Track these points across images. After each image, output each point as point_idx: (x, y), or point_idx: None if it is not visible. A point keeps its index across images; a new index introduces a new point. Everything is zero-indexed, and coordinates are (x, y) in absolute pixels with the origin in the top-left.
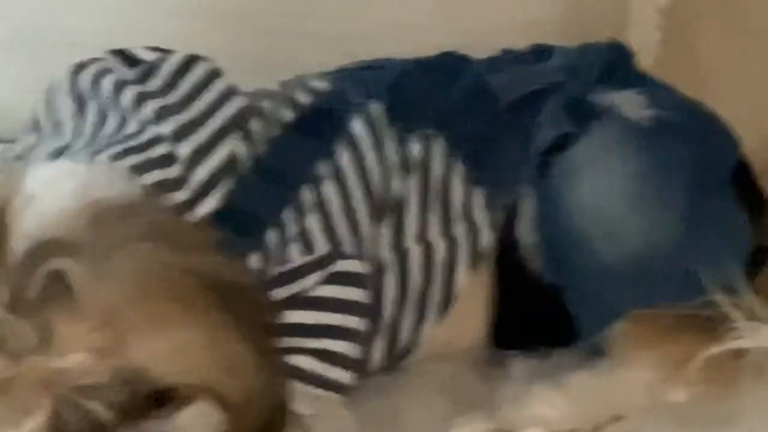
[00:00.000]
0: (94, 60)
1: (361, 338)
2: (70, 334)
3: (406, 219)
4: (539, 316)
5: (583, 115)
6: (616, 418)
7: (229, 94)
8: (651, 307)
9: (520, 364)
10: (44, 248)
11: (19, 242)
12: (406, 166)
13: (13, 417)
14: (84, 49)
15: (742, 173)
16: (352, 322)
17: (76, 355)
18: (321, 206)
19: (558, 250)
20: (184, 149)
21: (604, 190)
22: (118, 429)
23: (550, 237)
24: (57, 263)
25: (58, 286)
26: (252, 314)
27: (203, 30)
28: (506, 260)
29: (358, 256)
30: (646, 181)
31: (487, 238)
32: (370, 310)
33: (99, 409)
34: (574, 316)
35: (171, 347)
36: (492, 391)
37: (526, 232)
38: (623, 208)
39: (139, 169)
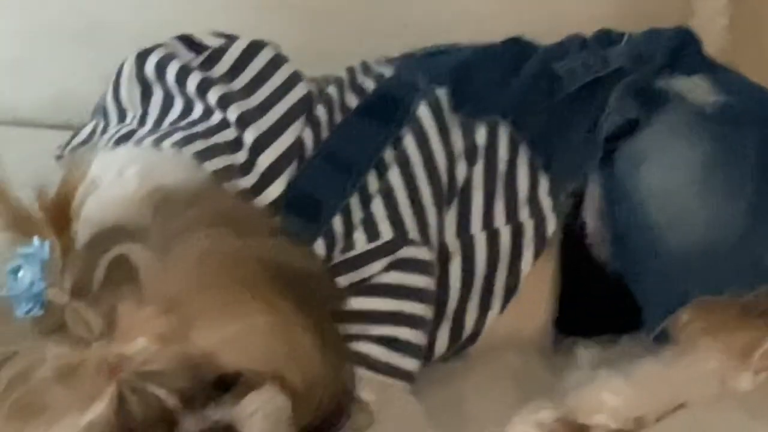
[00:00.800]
0: (160, 46)
1: (426, 325)
2: (135, 319)
3: (472, 206)
4: (605, 303)
5: (650, 101)
6: (682, 406)
7: (294, 79)
8: (717, 294)
9: (585, 352)
10: (109, 234)
11: (84, 228)
12: (471, 153)
13: (78, 403)
14: (151, 39)
15: None
16: (417, 309)
17: (140, 340)
18: (386, 192)
19: (624, 236)
20: (250, 135)
21: (670, 177)
22: (182, 415)
23: (616, 224)
24: (122, 249)
25: (123, 272)
26: (317, 301)
27: (268, 18)
28: (571, 247)
29: (424, 243)
30: (712, 168)
31: (552, 225)
32: (435, 297)
33: (163, 395)
34: (639, 304)
35: (236, 333)
36: (557, 379)
37: (591, 219)
38: (690, 195)
39: (205, 154)
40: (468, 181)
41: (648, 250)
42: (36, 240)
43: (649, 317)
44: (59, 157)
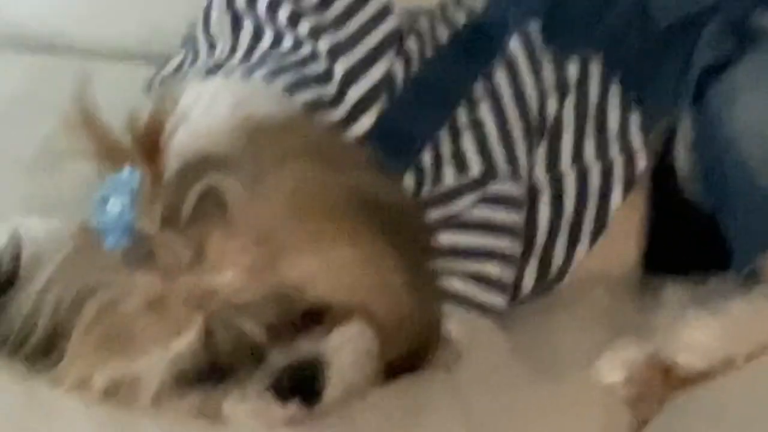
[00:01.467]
0: None
1: (514, 262)
2: (224, 251)
3: (562, 141)
4: (694, 241)
5: (744, 36)
6: None
7: (386, 12)
8: None
9: (673, 290)
10: (199, 165)
11: (174, 158)
12: (562, 88)
13: (165, 334)
14: None
15: None
16: (506, 244)
17: (229, 272)
18: (476, 127)
19: (715, 173)
20: (340, 67)
21: (763, 113)
22: (269, 348)
23: (708, 161)
24: (212, 180)
25: (213, 203)
26: (407, 235)
27: None
28: (661, 184)
29: (513, 178)
30: None
31: (642, 161)
32: (524, 234)
33: (251, 327)
34: (730, 242)
35: (325, 266)
36: (645, 318)
37: (682, 156)
38: None
39: (295, 86)
40: (558, 117)
41: (740, 187)
42: (126, 169)
43: (739, 255)
44: (148, 89)
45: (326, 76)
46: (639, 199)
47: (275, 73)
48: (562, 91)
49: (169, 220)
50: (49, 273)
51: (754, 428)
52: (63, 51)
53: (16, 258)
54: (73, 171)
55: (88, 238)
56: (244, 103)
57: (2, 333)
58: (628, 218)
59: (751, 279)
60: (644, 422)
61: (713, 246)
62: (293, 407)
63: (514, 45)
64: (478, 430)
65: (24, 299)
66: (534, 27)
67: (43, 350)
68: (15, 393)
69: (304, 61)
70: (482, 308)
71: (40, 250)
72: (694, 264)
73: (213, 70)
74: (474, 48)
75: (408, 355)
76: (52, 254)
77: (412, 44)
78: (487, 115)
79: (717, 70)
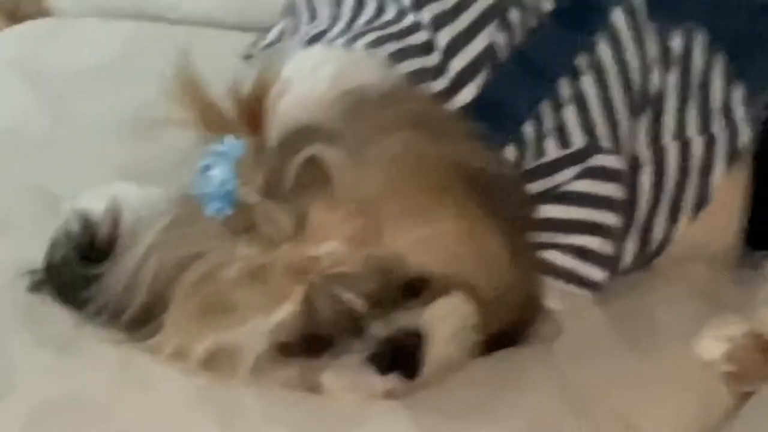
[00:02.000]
0: None
1: (615, 235)
2: (326, 221)
3: (665, 115)
4: None
5: None
6: None
7: None
8: None
9: None
10: (302, 134)
11: (276, 128)
12: (666, 60)
13: (266, 304)
14: None
15: None
16: (607, 218)
17: (330, 243)
18: (579, 99)
19: None
20: (443, 37)
21: None
22: (369, 319)
23: None
24: (314, 150)
25: (315, 173)
26: (508, 207)
27: None
28: (765, 158)
29: (615, 151)
30: None
31: (745, 136)
32: (625, 207)
33: (352, 298)
34: None
35: (427, 237)
36: (746, 293)
37: None
38: None
39: (397, 56)
40: (661, 90)
41: None
42: (228, 138)
43: None
44: (247, 58)
45: (428, 47)
46: (741, 174)
47: (377, 43)
48: (666, 64)
49: (271, 189)
50: (149, 241)
51: None
52: (157, 19)
53: (115, 225)
54: (169, 139)
55: (189, 206)
56: (346, 72)
57: (100, 301)
58: (729, 193)
59: None
60: (743, 399)
61: None
62: (392, 379)
63: (618, 17)
64: (577, 404)
65: (123, 267)
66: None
67: (141, 319)
68: (112, 363)
69: (407, 32)
70: (582, 282)
71: (139, 217)
72: None
73: (315, 39)
74: (577, 20)
75: (507, 328)
76: (152, 222)
77: (514, 15)
78: (590, 88)
79: None
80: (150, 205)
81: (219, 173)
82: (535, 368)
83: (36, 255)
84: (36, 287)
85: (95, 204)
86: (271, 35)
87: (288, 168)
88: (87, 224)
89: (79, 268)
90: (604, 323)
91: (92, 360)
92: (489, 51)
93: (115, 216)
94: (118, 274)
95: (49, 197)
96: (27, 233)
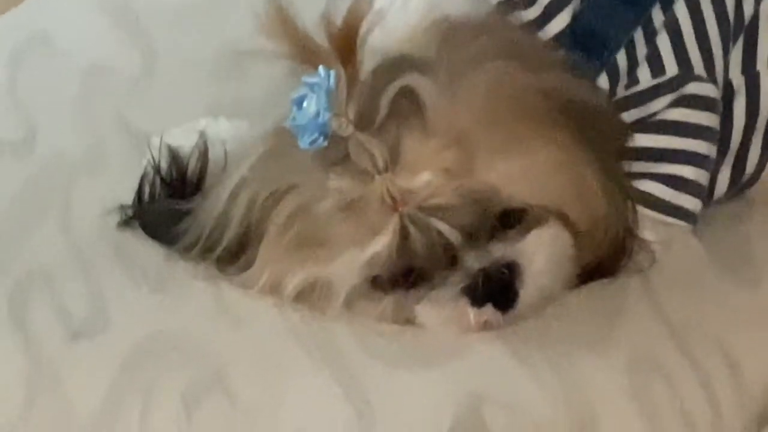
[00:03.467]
0: None
1: (709, 164)
2: (420, 152)
3: (758, 42)
4: None
5: None
6: None
7: None
8: None
9: None
10: (395, 65)
11: (369, 59)
12: None
13: (361, 236)
14: None
15: None
16: (701, 147)
17: (425, 174)
18: (672, 27)
19: None
20: None
21: None
22: (464, 251)
23: None
24: (408, 80)
25: (409, 104)
26: (603, 137)
27: None
28: None
29: (709, 80)
30: None
31: None
32: (719, 135)
33: (447, 229)
34: None
35: (522, 168)
36: None
37: None
38: None
39: None
40: (755, 17)
41: None
42: (322, 69)
43: None
44: None
45: None
46: None
47: None
48: None
49: (365, 121)
50: (242, 174)
51: None
52: None
53: (204, 160)
54: (258, 73)
55: (282, 138)
56: (439, 3)
57: (192, 236)
58: None
59: None
60: None
61: None
62: (488, 312)
63: None
64: (676, 335)
65: (215, 201)
66: None
67: (233, 253)
68: (204, 297)
69: None
70: (676, 211)
71: (230, 151)
72: None
73: None
74: None
75: (603, 259)
76: (244, 155)
77: None
78: (683, 16)
79: None
80: (240, 139)
81: (312, 105)
82: (632, 299)
83: (128, 192)
84: (126, 223)
85: (184, 139)
86: None
87: (381, 99)
88: (176, 159)
89: (169, 204)
90: (700, 253)
91: (185, 297)
92: None
93: (204, 151)
94: (209, 208)
95: (141, 135)
96: (119, 171)
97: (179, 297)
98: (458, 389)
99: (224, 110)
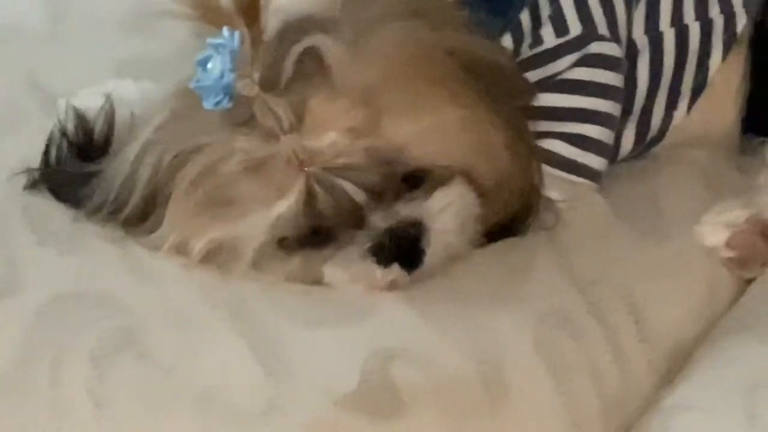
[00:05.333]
0: None
1: (614, 123)
2: (326, 113)
3: (661, 1)
4: None
5: None
6: None
7: None
8: None
9: None
10: (299, 25)
11: (273, 19)
12: None
13: (267, 196)
14: None
15: None
16: (605, 106)
17: (331, 134)
18: None
19: None
20: None
21: None
22: (370, 210)
23: None
24: (313, 40)
25: (314, 64)
26: (508, 96)
27: None
28: (762, 45)
29: (613, 39)
30: None
31: (742, 21)
32: (623, 94)
33: (353, 189)
34: None
35: (427, 128)
36: (746, 178)
37: None
38: None
39: None
40: None
41: None
42: (226, 30)
43: None
44: None
45: None
46: (738, 60)
47: None
48: None
49: (270, 81)
50: (148, 135)
51: None
52: None
53: (111, 122)
54: (166, 33)
55: (187, 100)
56: None
57: (99, 198)
58: (727, 79)
59: None
60: (748, 283)
61: None
62: (395, 270)
63: None
64: (583, 290)
65: (121, 163)
66: None
67: (140, 215)
68: (114, 257)
69: None
70: (581, 170)
71: (136, 113)
72: None
73: None
74: None
75: (510, 218)
76: (150, 116)
77: None
78: None
79: None
80: (147, 101)
81: (217, 66)
82: (540, 256)
83: (37, 154)
84: (33, 185)
85: (91, 101)
86: None
87: (286, 59)
88: (83, 122)
89: (76, 166)
90: (606, 210)
91: (94, 257)
92: None
93: (111, 112)
94: (115, 170)
95: (51, 96)
96: (29, 132)
97: (88, 258)
98: (366, 347)
99: (134, 70)
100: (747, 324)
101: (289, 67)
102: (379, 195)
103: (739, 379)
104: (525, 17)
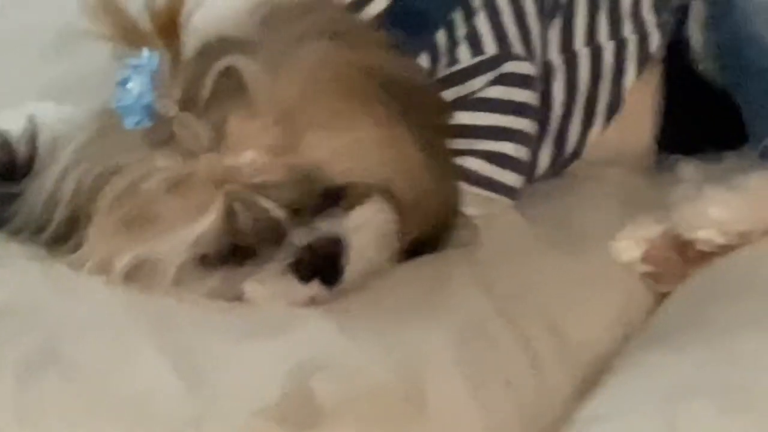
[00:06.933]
0: None
1: (530, 141)
2: (244, 131)
3: (575, 21)
4: (709, 119)
5: None
6: None
7: None
8: None
9: (689, 168)
10: (218, 45)
11: (193, 39)
12: None
13: (188, 215)
14: None
15: None
16: (521, 124)
17: (249, 152)
18: (490, 7)
19: (730, 51)
20: None
21: None
22: (290, 227)
23: (722, 38)
24: (231, 60)
25: (232, 84)
26: (425, 114)
27: None
28: (675, 63)
29: (528, 58)
30: None
31: (655, 41)
32: (539, 113)
33: (272, 206)
34: (746, 118)
35: (345, 145)
36: (661, 195)
37: (696, 34)
38: None
39: None
40: None
41: (755, 64)
42: (145, 51)
43: (755, 131)
44: None
45: None
46: (653, 79)
47: None
48: None
49: (189, 101)
50: (69, 156)
51: None
52: None
53: (33, 143)
54: (90, 55)
55: (108, 120)
56: None
57: (21, 219)
58: (642, 97)
59: (766, 155)
60: (663, 297)
61: (727, 123)
62: (314, 286)
63: None
64: (501, 305)
65: (43, 184)
66: None
67: (63, 235)
68: (34, 273)
69: None
70: (498, 187)
71: (58, 134)
72: (708, 143)
73: None
74: None
75: (427, 234)
76: (71, 137)
77: None
78: None
79: None
80: (68, 122)
81: (136, 86)
82: (458, 272)
83: None
84: None
85: (13, 123)
86: None
87: (205, 79)
88: (5, 143)
89: None
90: (523, 226)
91: (19, 274)
92: None
93: (33, 134)
94: (38, 190)
95: None
96: None
97: (14, 274)
98: (287, 360)
99: (56, 93)
100: (663, 336)
101: (208, 87)
102: (298, 212)
103: (655, 390)
104: (441, 37)
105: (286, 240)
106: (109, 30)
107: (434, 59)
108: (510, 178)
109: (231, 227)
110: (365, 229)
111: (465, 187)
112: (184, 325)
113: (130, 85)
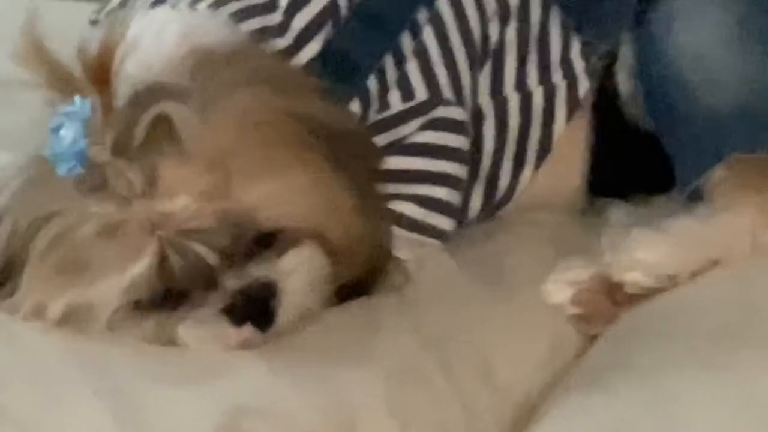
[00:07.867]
0: None
1: (461, 185)
2: (176, 177)
3: (505, 66)
4: (637, 164)
5: None
6: (715, 263)
7: None
8: (751, 152)
9: (618, 211)
10: (150, 92)
11: (124, 87)
12: (504, 14)
13: (121, 260)
14: None
15: None
16: (452, 168)
17: (182, 198)
18: (420, 53)
19: (658, 96)
20: None
21: (704, 36)
22: (222, 272)
23: (649, 83)
24: (163, 107)
25: (164, 130)
26: (356, 159)
27: None
28: (604, 108)
29: (458, 103)
30: (747, 26)
31: (584, 86)
32: (470, 157)
33: (204, 252)
34: (674, 162)
35: (277, 191)
36: (591, 239)
37: (624, 80)
38: (724, 54)
39: (240, 15)
40: (501, 43)
41: (682, 109)
42: (77, 98)
43: (682, 175)
44: (94, 22)
45: (271, 5)
46: (582, 124)
47: (220, 3)
48: (504, 17)
49: (122, 147)
50: (3, 202)
51: (700, 340)
52: None
53: None
54: (21, 104)
55: (42, 167)
56: (191, 32)
57: None
58: (571, 142)
59: (694, 199)
60: (593, 339)
61: (656, 168)
62: (247, 330)
63: None
64: (432, 347)
65: None
66: None
67: None
68: None
69: None
70: (430, 231)
71: None
72: (637, 186)
73: (159, 1)
74: None
75: (359, 277)
76: (5, 184)
77: None
78: (431, 42)
79: None
80: (1, 170)
81: (69, 133)
82: (389, 314)
83: None
84: None
85: None
86: (115, 1)
87: (137, 126)
88: None
89: None
90: (454, 270)
91: None
92: (330, 7)
93: None
94: None
95: None
96: None
97: None
98: (220, 404)
99: None
100: (592, 378)
101: (140, 133)
102: (230, 256)
103: (585, 431)
104: (372, 83)
105: (219, 285)
106: (42, 78)
107: (366, 105)
108: (441, 221)
109: (164, 273)
110: (297, 274)
111: (397, 230)
112: (120, 369)
113: (63, 132)
